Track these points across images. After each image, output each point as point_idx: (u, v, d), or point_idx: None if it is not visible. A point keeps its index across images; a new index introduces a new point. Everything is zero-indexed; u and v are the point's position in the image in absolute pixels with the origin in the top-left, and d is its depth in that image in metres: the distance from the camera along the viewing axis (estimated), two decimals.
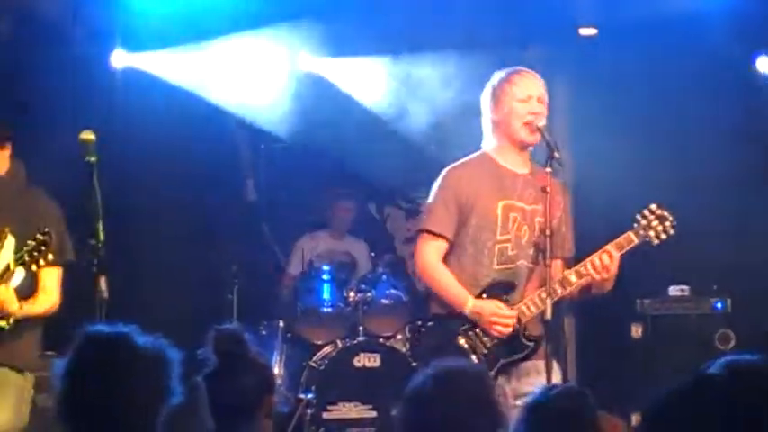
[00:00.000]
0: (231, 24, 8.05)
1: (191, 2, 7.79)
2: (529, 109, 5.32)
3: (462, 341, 5.29)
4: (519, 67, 5.53)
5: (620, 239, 5.34)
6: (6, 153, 5.64)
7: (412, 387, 3.67)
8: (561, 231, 5.38)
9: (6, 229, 5.55)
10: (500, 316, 5.25)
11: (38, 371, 5.68)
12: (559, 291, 5.27)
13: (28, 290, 5.52)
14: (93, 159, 5.30)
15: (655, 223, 5.39)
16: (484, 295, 5.30)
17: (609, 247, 5.32)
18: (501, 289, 5.34)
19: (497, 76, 5.48)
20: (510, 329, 5.25)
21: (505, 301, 5.30)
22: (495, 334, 5.24)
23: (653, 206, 5.41)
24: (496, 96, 5.39)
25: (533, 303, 5.26)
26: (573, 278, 5.30)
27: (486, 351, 5.27)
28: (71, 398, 3.10)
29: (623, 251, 5.33)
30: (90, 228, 5.22)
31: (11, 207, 5.63)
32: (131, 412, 3.06)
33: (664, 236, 5.40)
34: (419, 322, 5.47)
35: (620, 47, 8.04)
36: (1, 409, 5.56)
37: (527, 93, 5.35)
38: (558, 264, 5.33)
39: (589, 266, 5.30)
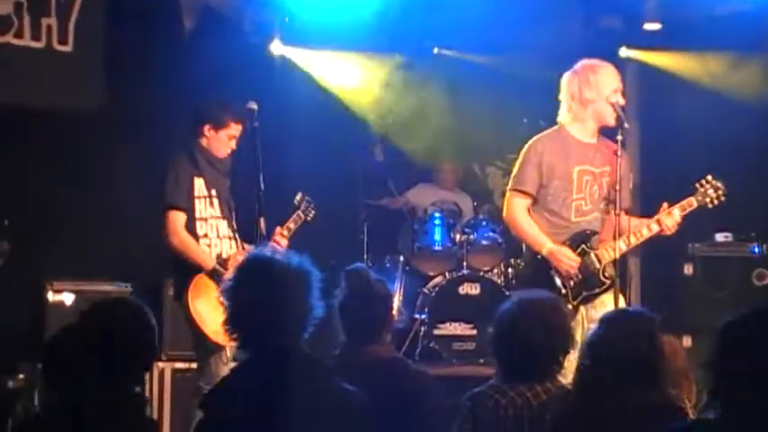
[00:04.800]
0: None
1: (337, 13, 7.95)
2: (617, 99, 5.42)
3: (554, 274, 5.38)
4: (605, 62, 5.57)
5: (684, 203, 5.45)
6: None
7: (500, 311, 3.80)
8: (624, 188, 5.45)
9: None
10: (568, 258, 5.35)
11: None
12: (633, 240, 5.40)
13: None
14: (256, 125, 5.51)
15: (710, 191, 5.47)
16: (574, 239, 5.39)
17: (675, 208, 5.43)
18: (584, 237, 5.42)
19: (591, 63, 5.51)
20: (574, 270, 5.34)
21: (588, 247, 5.39)
22: (562, 272, 5.35)
23: (709, 177, 5.50)
24: (595, 81, 5.42)
25: (612, 248, 5.32)
26: (645, 231, 5.43)
27: (572, 284, 5.36)
28: (234, 310, 3.16)
29: (685, 212, 5.45)
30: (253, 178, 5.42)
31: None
32: (283, 321, 3.11)
33: (716, 202, 5.50)
34: (529, 257, 5.50)
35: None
36: None
37: (616, 85, 5.45)
38: (622, 215, 5.37)
39: (654, 226, 5.40)
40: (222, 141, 5.66)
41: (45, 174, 7.20)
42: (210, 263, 5.54)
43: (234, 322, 3.17)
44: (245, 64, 7.59)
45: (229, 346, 5.52)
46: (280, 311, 3.09)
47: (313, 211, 6.00)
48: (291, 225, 5.89)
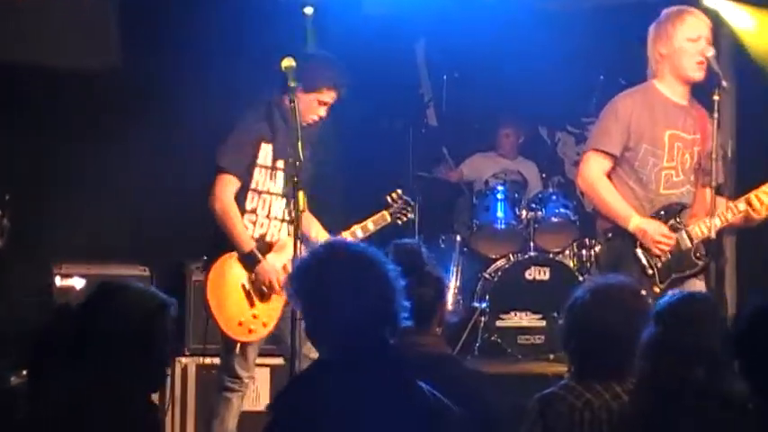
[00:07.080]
0: None
1: None
2: (698, 48, 5.21)
3: (640, 252, 5.24)
4: (688, 7, 5.41)
5: None
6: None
7: (572, 299, 3.68)
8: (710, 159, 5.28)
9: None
10: (663, 235, 5.18)
11: None
12: (729, 216, 5.24)
13: None
14: (293, 84, 5.22)
15: None
16: (662, 213, 5.27)
17: None
18: (674, 211, 5.28)
19: (667, 11, 5.36)
20: (669, 249, 5.19)
21: (678, 222, 5.26)
22: (656, 252, 5.20)
23: None
24: (667, 32, 5.27)
25: (706, 225, 5.18)
26: (741, 206, 5.25)
27: (660, 264, 5.23)
28: (304, 308, 3.12)
29: None
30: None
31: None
32: (354, 318, 3.02)
33: None
34: (609, 234, 5.36)
35: None
36: None
37: (697, 33, 5.23)
38: (707, 191, 5.24)
39: (753, 199, 5.23)
40: (308, 106, 5.43)
41: (53, 143, 7.12)
42: (248, 246, 5.36)
43: (306, 322, 3.14)
44: (273, 21, 7.39)
45: (240, 341, 5.44)
46: (351, 307, 3.01)
47: (410, 215, 5.87)
48: (371, 226, 5.67)
